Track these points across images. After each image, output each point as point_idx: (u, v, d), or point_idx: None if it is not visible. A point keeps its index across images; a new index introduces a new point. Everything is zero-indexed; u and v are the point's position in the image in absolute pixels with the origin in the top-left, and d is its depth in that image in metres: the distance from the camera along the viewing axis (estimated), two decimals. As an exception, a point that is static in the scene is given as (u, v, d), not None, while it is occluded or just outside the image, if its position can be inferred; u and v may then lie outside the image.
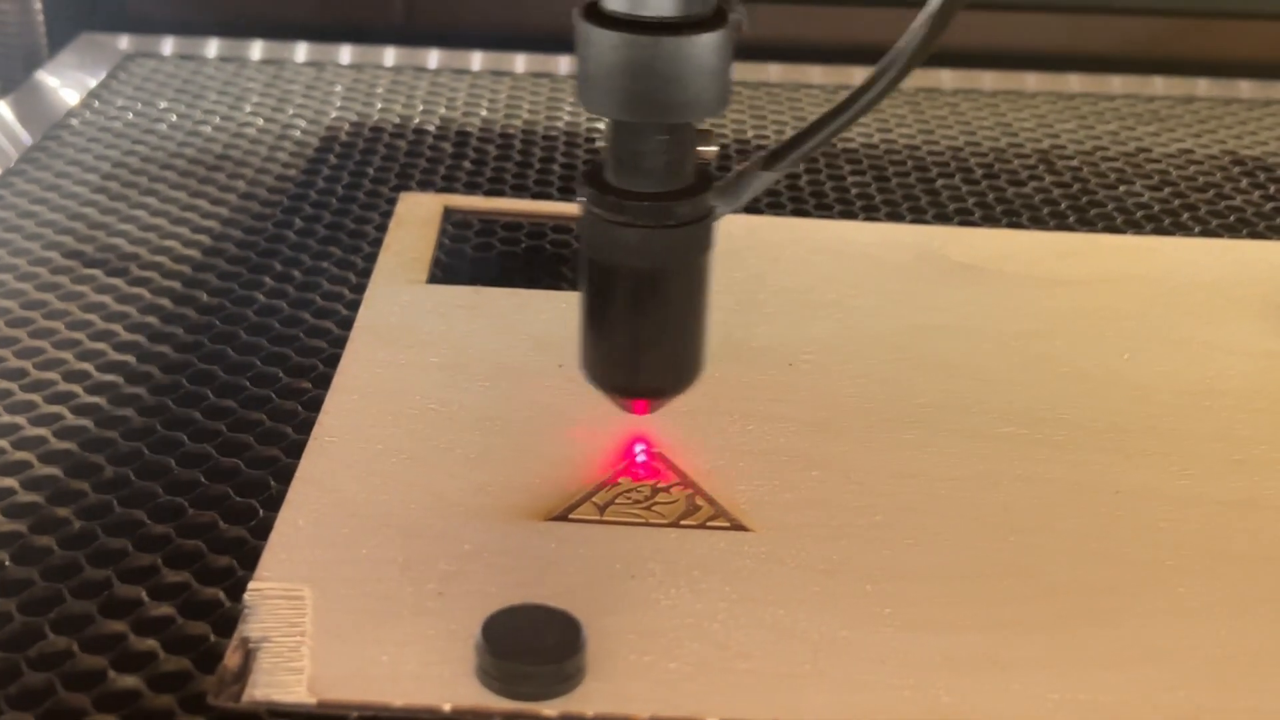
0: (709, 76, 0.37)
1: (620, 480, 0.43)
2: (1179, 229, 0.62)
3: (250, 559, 0.39)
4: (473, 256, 0.57)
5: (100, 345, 0.49)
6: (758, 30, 0.40)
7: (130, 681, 0.35)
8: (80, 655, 0.36)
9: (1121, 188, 0.65)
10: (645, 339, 0.41)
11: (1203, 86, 0.78)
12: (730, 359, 0.49)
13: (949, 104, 0.75)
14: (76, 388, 0.47)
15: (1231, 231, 0.62)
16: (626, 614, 0.37)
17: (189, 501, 0.41)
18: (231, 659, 0.35)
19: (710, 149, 0.41)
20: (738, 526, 0.41)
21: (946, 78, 0.78)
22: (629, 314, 0.40)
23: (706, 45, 0.37)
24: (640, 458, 0.43)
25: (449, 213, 0.59)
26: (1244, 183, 0.66)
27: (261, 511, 0.41)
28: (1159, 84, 0.78)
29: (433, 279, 0.54)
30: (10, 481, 0.42)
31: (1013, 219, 0.62)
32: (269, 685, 0.34)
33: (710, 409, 0.46)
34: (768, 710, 0.34)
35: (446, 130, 0.68)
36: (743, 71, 0.76)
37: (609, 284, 0.40)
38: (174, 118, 0.69)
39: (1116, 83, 0.78)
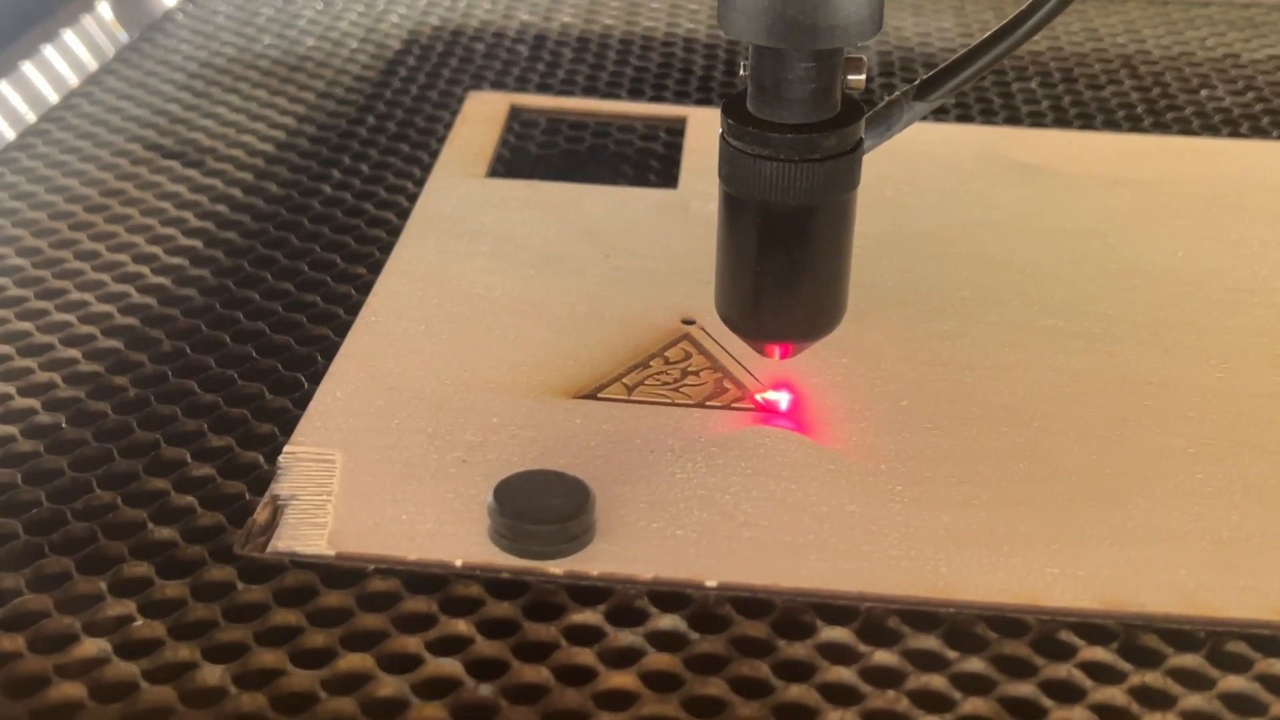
0: None
1: (651, 363, 0.44)
2: (1257, 134, 0.60)
3: (291, 427, 0.41)
4: (536, 154, 0.58)
5: (170, 230, 0.51)
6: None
7: (166, 533, 0.37)
8: (122, 508, 0.38)
9: (1203, 92, 0.64)
10: (786, 281, 0.38)
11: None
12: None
13: (1035, 10, 0.74)
14: (145, 269, 0.49)
15: (1312, 136, 0.60)
16: (640, 484, 0.38)
17: (239, 374, 0.43)
18: (260, 514, 0.37)
19: (859, 78, 0.37)
20: (761, 408, 0.42)
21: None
22: (771, 254, 0.38)
23: None
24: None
25: (516, 111, 0.60)
26: (1332, 88, 0.65)
27: (306, 385, 0.43)
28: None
29: (493, 173, 0.55)
30: (74, 352, 0.44)
31: (1086, 122, 0.61)
32: (293, 538, 0.36)
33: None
34: (766, 575, 0.35)
35: (525, 34, 0.69)
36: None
37: (749, 221, 0.38)
38: (263, 20, 0.71)
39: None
